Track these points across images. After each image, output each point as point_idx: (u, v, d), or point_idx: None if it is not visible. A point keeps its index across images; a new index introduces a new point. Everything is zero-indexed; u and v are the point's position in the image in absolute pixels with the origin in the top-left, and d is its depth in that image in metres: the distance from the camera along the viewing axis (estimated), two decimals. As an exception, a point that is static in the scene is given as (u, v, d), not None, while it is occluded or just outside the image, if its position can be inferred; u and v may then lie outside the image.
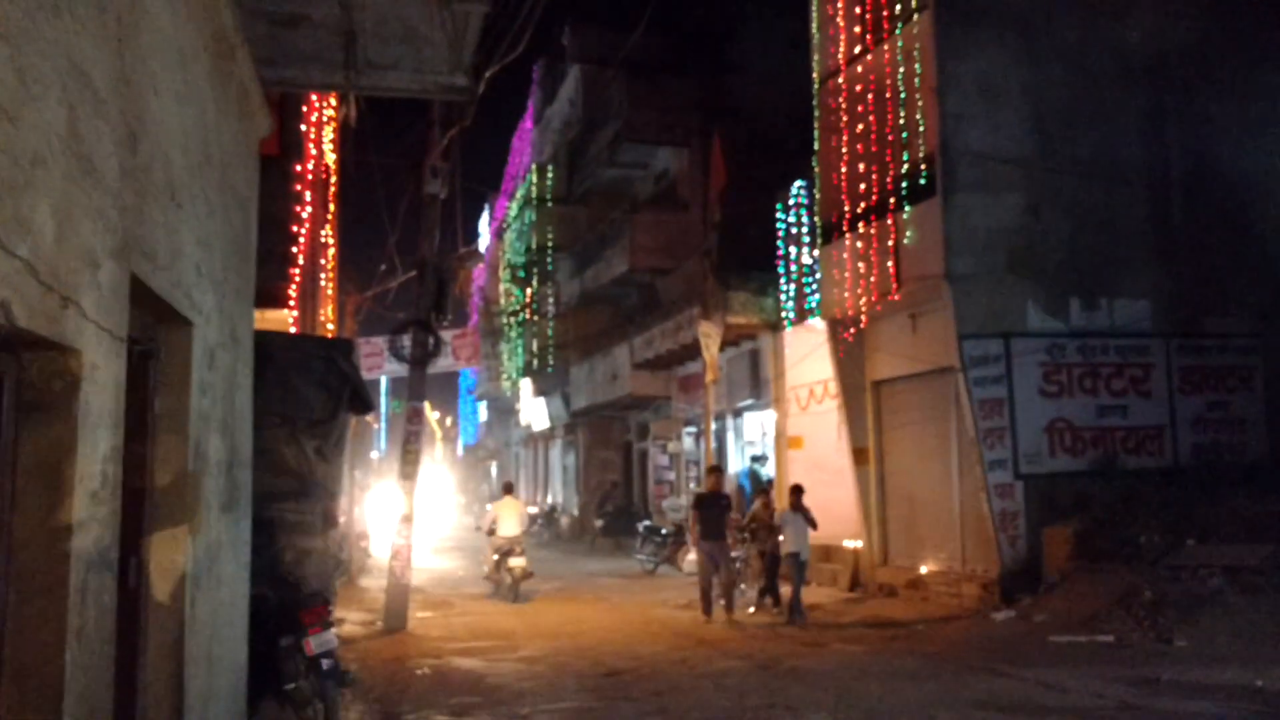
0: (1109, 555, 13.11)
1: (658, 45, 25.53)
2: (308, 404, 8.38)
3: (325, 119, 14.28)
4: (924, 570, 15.93)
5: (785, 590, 14.76)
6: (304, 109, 12.17)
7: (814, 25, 18.06)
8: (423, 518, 21.19)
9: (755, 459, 21.40)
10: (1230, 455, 15.22)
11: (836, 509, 17.49)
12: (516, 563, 16.98)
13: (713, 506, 14.88)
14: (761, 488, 19.36)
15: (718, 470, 16.41)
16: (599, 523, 28.29)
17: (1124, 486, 14.34)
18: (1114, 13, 15.59)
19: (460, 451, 63.35)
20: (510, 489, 18.72)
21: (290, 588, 7.77)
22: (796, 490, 15.06)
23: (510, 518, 17.70)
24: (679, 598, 16.81)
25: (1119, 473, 14.64)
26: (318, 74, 7.44)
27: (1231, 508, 13.25)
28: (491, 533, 17.69)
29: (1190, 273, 15.46)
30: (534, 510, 33.70)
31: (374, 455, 37.98)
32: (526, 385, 36.98)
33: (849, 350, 17.45)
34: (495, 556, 17.54)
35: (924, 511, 16.24)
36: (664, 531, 21.68)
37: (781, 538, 14.92)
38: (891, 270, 15.72)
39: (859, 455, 17.50)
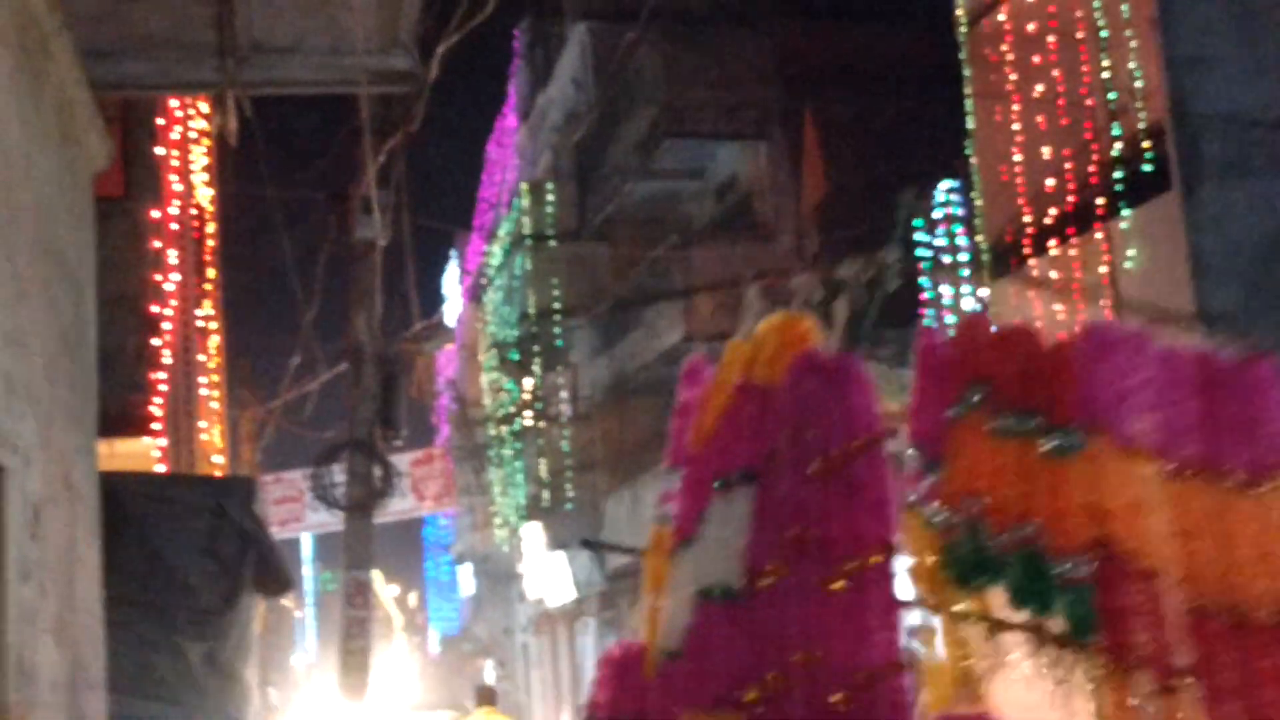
0: None
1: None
2: (188, 585, 8.36)
3: (193, 136, 14.50)
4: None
5: None
6: (160, 124, 12.35)
7: (953, -66, 18.29)
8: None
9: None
10: None
11: None
12: None
13: None
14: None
15: None
16: None
17: None
18: None
19: (436, 647, 63.06)
20: (491, 698, 18.58)
21: None
22: None
23: None
24: None
25: None
26: (179, 67, 7.55)
27: None
28: None
29: None
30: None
31: (297, 659, 37.96)
32: (533, 533, 36.78)
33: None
34: None
35: None
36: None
37: None
38: (1106, 313, 15.62)
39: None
